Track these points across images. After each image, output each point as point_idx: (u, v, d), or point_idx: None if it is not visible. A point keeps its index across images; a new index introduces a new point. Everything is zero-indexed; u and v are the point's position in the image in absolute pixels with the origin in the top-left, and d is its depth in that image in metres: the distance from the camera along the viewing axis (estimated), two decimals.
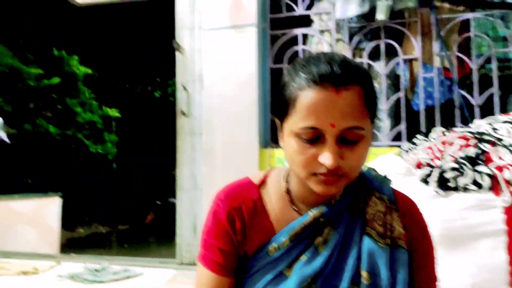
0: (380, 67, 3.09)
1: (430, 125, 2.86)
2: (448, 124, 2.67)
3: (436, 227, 1.42)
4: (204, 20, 3.25)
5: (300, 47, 3.22)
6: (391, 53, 3.11)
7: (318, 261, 0.76)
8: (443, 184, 1.57)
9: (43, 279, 2.78)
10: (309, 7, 3.29)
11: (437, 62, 2.99)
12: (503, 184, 1.50)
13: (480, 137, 1.68)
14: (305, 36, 3.32)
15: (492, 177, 1.54)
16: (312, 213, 0.78)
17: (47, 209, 4.99)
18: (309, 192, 0.77)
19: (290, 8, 3.29)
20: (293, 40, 3.25)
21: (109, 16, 8.06)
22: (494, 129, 1.74)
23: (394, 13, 3.06)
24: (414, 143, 2.18)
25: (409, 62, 3.23)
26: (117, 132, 9.21)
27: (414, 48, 3.05)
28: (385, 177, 0.87)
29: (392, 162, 1.94)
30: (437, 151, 1.73)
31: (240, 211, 0.82)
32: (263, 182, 0.86)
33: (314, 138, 0.69)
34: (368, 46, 3.11)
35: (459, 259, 1.41)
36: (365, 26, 3.14)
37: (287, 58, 3.21)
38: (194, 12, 3.27)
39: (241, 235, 0.81)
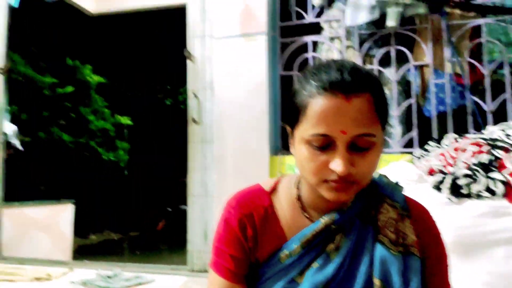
0: (391, 74, 3.08)
1: (442, 131, 2.83)
2: (461, 130, 2.65)
3: (449, 234, 1.40)
4: (215, 29, 3.29)
5: (310, 55, 3.23)
6: (401, 60, 3.10)
7: (330, 268, 0.76)
8: (456, 191, 1.55)
9: (56, 285, 2.81)
10: (319, 14, 3.30)
11: (448, 68, 2.97)
12: None
13: (493, 143, 1.66)
14: (315, 43, 3.33)
15: (506, 183, 1.52)
16: (324, 220, 0.78)
17: (60, 216, 5.04)
18: (320, 199, 0.77)
19: (300, 16, 3.31)
20: (303, 48, 3.26)
21: (121, 26, 8.18)
22: (507, 135, 1.72)
23: (405, 20, 3.06)
24: (426, 150, 2.17)
25: (420, 68, 3.22)
26: (128, 139, 9.30)
27: (425, 54, 3.03)
28: (397, 184, 0.87)
29: (404, 169, 1.92)
30: (450, 157, 1.72)
31: (252, 218, 0.82)
32: (274, 189, 0.86)
33: (325, 145, 0.70)
34: (379, 52, 3.10)
35: (472, 267, 1.38)
36: (375, 33, 3.13)
37: (297, 66, 3.22)
38: (205, 21, 3.31)
39: (252, 242, 0.81)
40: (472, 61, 2.90)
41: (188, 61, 3.33)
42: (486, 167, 1.55)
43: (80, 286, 2.72)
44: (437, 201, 1.56)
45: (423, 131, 2.90)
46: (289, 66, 3.25)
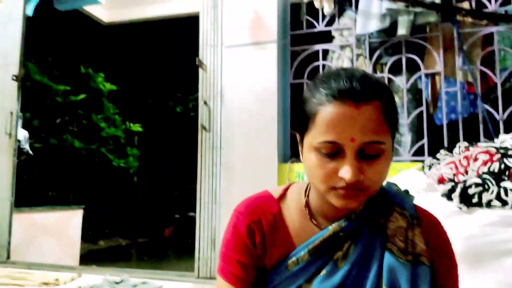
0: (402, 82, 3.07)
1: (453, 140, 2.80)
2: (472, 139, 2.62)
3: (458, 244, 1.38)
4: (226, 37, 3.32)
5: (320, 63, 3.24)
6: (412, 68, 3.09)
7: (338, 276, 0.76)
8: (466, 200, 1.53)
9: None
10: (329, 23, 3.31)
11: (460, 76, 2.95)
12: None
13: (504, 152, 1.64)
14: (325, 52, 3.34)
15: None
16: (332, 228, 0.78)
17: (70, 222, 5.09)
18: (329, 206, 0.77)
19: (310, 25, 3.33)
20: (314, 56, 3.27)
21: (133, 35, 8.31)
22: None
23: (415, 28, 3.05)
24: (436, 158, 2.14)
25: (431, 76, 3.20)
26: (139, 146, 9.38)
27: (436, 62, 3.02)
28: (406, 192, 0.86)
29: (414, 177, 1.90)
30: (460, 166, 1.70)
31: (260, 225, 0.82)
32: (282, 196, 0.87)
33: (334, 152, 0.70)
34: (389, 60, 3.10)
35: (482, 277, 1.36)
36: (386, 41, 3.13)
37: (307, 74, 3.23)
38: (217, 29, 3.35)
39: (260, 248, 0.81)
40: (484, 69, 2.88)
41: (199, 69, 3.36)
42: (497, 176, 1.53)
43: None
44: (447, 210, 1.54)
45: (434, 140, 2.88)
46: (299, 74, 3.26)
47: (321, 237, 0.78)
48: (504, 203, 1.50)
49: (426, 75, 3.11)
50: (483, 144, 1.80)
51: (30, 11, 4.14)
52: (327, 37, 3.41)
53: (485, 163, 1.60)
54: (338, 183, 0.70)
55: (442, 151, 2.19)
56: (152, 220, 9.19)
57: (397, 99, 3.12)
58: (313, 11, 3.33)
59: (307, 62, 3.26)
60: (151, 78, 10.09)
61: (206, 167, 3.24)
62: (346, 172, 0.68)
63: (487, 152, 1.66)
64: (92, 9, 5.16)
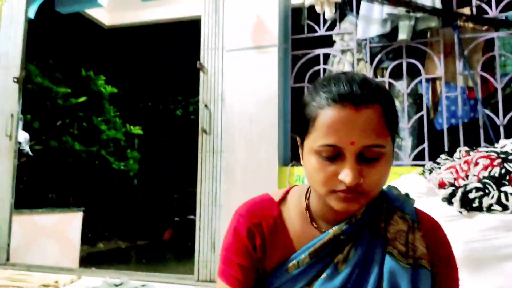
0: (402, 87, 3.07)
1: (454, 144, 2.81)
2: (472, 143, 2.62)
3: (459, 248, 1.38)
4: (227, 41, 3.33)
5: (321, 67, 3.25)
6: (413, 73, 3.10)
7: (338, 279, 0.76)
8: (467, 204, 1.53)
9: None
10: (330, 27, 3.33)
11: (460, 81, 2.96)
12: None
13: (505, 157, 1.64)
14: (326, 56, 3.35)
15: None
16: (332, 231, 0.78)
17: (70, 224, 5.08)
18: (329, 209, 0.77)
19: (311, 29, 3.34)
20: (314, 60, 3.28)
21: (134, 38, 8.34)
22: None
23: (416, 33, 3.06)
24: (437, 163, 2.15)
25: (432, 81, 3.21)
26: (139, 149, 9.38)
27: (436, 67, 3.02)
28: (407, 196, 0.86)
29: (415, 182, 1.91)
30: (461, 170, 1.70)
31: (260, 228, 0.82)
32: (283, 199, 0.87)
33: (334, 155, 0.70)
34: (390, 65, 3.10)
35: (483, 282, 1.36)
36: (386, 46, 3.14)
37: (308, 78, 3.24)
38: (219, 33, 3.36)
39: (260, 251, 0.81)
40: (485, 74, 2.89)
41: (200, 73, 3.37)
42: (498, 181, 1.53)
43: None
44: (447, 214, 1.54)
45: (434, 144, 2.88)
46: (300, 78, 3.27)
47: (321, 240, 0.78)
48: (505, 207, 1.50)
49: (427, 80, 3.12)
50: (483, 149, 1.80)
51: (32, 14, 4.16)
52: (328, 41, 3.42)
53: (485, 167, 1.61)
54: (338, 186, 0.70)
55: (443, 156, 2.19)
56: (151, 222, 9.18)
57: (397, 103, 3.13)
58: (314, 16, 3.34)
59: (308, 66, 3.27)
60: (151, 81, 10.11)
61: (206, 170, 3.25)
62: (346, 175, 0.68)
63: (487, 156, 1.67)
64: (93, 12, 5.18)
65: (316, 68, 3.25)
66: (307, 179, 0.77)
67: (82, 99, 7.59)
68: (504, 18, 2.92)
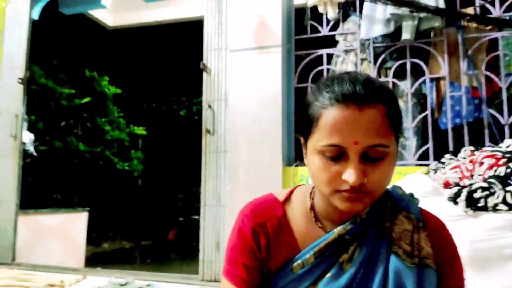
0: (406, 86, 3.07)
1: (458, 144, 2.80)
2: (477, 143, 2.62)
3: (464, 247, 1.38)
4: (230, 42, 3.33)
5: (324, 67, 3.25)
6: (417, 72, 3.09)
7: (343, 279, 0.76)
8: (472, 203, 1.53)
9: None
10: (333, 27, 3.32)
11: (464, 81, 2.95)
12: None
13: (510, 156, 1.64)
14: (329, 56, 3.35)
15: None
16: (337, 230, 0.78)
17: (75, 224, 5.10)
18: (334, 209, 0.78)
19: (314, 29, 3.34)
20: (318, 60, 3.28)
21: (137, 38, 8.36)
22: None
23: (420, 33, 3.06)
24: (442, 162, 2.14)
25: (436, 81, 3.20)
26: (143, 149, 9.40)
27: (440, 67, 3.02)
28: (412, 195, 0.86)
29: (420, 182, 1.90)
30: (466, 170, 1.70)
31: (265, 228, 0.82)
32: (287, 199, 0.87)
33: (338, 155, 0.70)
34: (394, 65, 3.10)
35: (488, 281, 1.35)
36: (390, 46, 3.14)
37: (312, 78, 3.24)
38: (222, 34, 3.37)
39: (265, 251, 0.81)
40: (489, 74, 2.88)
41: (203, 73, 3.38)
42: (503, 180, 1.52)
43: None
44: (452, 214, 1.54)
45: (439, 144, 2.88)
46: (304, 79, 3.27)
47: (326, 240, 0.78)
48: (510, 207, 1.49)
49: (431, 80, 3.11)
50: (488, 149, 1.79)
51: (36, 15, 4.18)
52: (331, 41, 3.42)
53: (491, 167, 1.60)
54: (342, 186, 0.70)
55: (447, 155, 2.19)
56: (156, 223, 9.20)
57: (401, 103, 3.12)
58: (317, 16, 3.34)
59: (311, 67, 3.27)
60: (155, 82, 10.13)
61: (210, 170, 3.25)
62: (349, 175, 0.68)
63: (492, 156, 1.66)
64: (97, 13, 5.21)
65: (320, 68, 3.24)
66: (311, 179, 0.77)
67: (86, 99, 7.61)
68: (507, 17, 2.91)
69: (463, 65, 2.92)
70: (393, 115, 0.72)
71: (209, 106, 3.31)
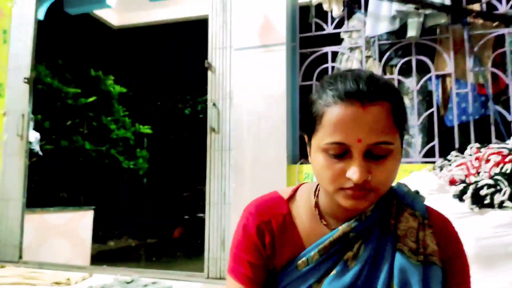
0: (411, 83, 3.05)
1: (464, 141, 2.78)
2: (483, 140, 2.60)
3: (470, 245, 1.37)
4: (235, 40, 3.34)
5: (329, 65, 3.24)
6: (422, 70, 3.08)
7: (348, 276, 0.75)
8: (478, 201, 1.52)
9: None
10: (338, 25, 3.31)
11: (470, 78, 2.93)
12: None
13: None
14: (334, 53, 3.34)
15: None
16: (342, 228, 0.78)
17: (81, 222, 5.14)
18: (338, 207, 0.78)
19: (319, 27, 3.33)
20: (323, 58, 3.27)
21: (142, 37, 8.39)
22: None
23: (425, 30, 3.04)
24: (448, 160, 2.13)
25: (442, 78, 3.18)
26: (148, 148, 9.44)
27: (446, 64, 3.00)
28: (417, 193, 0.86)
29: (425, 179, 1.89)
30: (472, 167, 1.69)
31: (270, 225, 0.83)
32: (292, 197, 0.87)
33: (341, 153, 0.70)
34: (399, 62, 3.08)
35: (494, 278, 1.34)
36: (395, 43, 3.12)
37: (316, 76, 3.23)
38: (226, 32, 3.37)
39: (270, 249, 0.82)
40: (496, 70, 2.85)
41: (208, 72, 3.38)
42: (510, 177, 1.51)
43: None
44: (458, 211, 1.53)
45: (445, 141, 2.86)
46: (308, 76, 3.26)
47: (331, 238, 0.78)
48: None
49: (437, 77, 3.09)
50: (494, 145, 1.78)
51: (41, 15, 4.20)
52: (336, 39, 3.41)
53: (497, 164, 1.59)
54: (346, 184, 0.70)
55: (453, 153, 2.18)
56: (161, 221, 9.24)
57: (407, 101, 3.11)
58: (322, 14, 3.33)
59: (316, 64, 3.26)
60: (160, 81, 10.16)
61: (215, 168, 3.26)
62: (353, 172, 0.68)
63: (499, 153, 1.65)
64: (102, 13, 5.23)
65: (325, 66, 3.24)
66: (315, 177, 0.77)
67: (92, 99, 7.65)
68: None
69: (469, 62, 2.90)
70: (398, 112, 0.71)
71: (214, 104, 3.31)
